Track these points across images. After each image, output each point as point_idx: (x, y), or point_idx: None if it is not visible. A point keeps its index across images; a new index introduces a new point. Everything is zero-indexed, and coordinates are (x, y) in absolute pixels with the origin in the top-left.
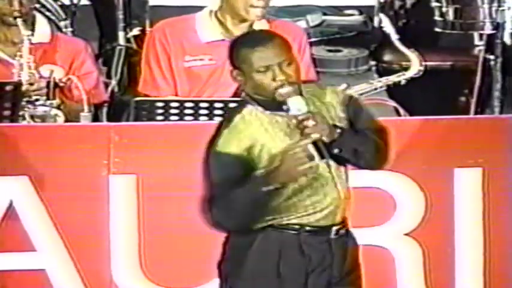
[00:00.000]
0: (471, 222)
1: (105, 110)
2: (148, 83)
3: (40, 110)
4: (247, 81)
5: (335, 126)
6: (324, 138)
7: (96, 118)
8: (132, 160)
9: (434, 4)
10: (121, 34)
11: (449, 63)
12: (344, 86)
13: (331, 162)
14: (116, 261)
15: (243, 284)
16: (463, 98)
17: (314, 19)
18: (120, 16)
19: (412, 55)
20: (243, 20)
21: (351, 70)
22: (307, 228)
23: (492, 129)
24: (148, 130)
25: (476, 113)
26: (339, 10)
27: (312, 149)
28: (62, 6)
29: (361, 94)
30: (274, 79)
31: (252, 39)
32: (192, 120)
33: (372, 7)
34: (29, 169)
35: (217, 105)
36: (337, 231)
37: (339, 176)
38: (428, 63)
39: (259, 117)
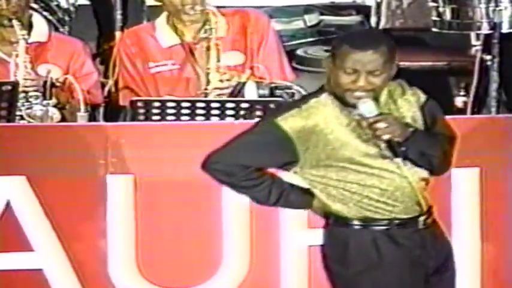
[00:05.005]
0: (468, 221)
1: (102, 110)
2: (126, 95)
3: (38, 110)
4: (332, 73)
5: (408, 125)
6: (397, 139)
7: (93, 118)
8: (129, 160)
9: (431, 4)
10: (118, 34)
11: (446, 63)
12: None
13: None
14: (113, 261)
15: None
16: (460, 98)
17: (311, 19)
18: (118, 16)
19: None
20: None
21: None
22: (396, 221)
23: (489, 129)
24: (145, 130)
25: (473, 113)
26: (336, 10)
27: (385, 149)
28: (59, 5)
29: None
30: (354, 82)
31: (360, 41)
32: (189, 120)
33: (369, 7)
34: (26, 169)
35: (213, 105)
36: (424, 221)
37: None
38: (425, 63)
39: (332, 107)
